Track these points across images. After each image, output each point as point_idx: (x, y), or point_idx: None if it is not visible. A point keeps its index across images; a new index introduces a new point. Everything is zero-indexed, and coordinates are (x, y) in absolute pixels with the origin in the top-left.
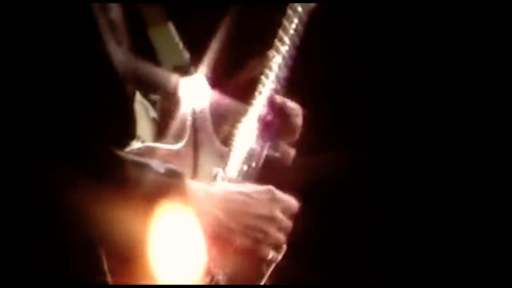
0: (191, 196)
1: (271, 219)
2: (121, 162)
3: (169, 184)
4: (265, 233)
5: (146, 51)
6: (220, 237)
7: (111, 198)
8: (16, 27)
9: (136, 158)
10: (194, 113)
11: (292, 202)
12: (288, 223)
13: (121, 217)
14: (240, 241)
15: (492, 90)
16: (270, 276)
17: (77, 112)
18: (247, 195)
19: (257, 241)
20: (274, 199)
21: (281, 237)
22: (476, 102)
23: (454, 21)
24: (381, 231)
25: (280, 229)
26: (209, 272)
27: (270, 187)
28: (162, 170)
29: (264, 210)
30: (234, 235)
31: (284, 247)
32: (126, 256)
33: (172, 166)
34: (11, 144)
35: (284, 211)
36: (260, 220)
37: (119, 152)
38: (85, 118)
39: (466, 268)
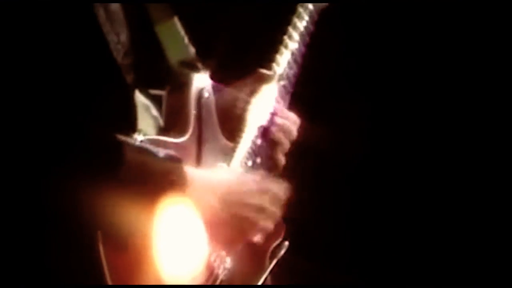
0: (189, 181)
1: (260, 210)
2: (120, 146)
3: (168, 169)
4: (252, 224)
5: (153, 47)
6: (210, 223)
7: (108, 183)
8: (15, 22)
9: (135, 142)
10: (199, 107)
11: (281, 191)
12: (274, 212)
13: (119, 202)
14: (228, 229)
15: (489, 88)
16: (271, 271)
17: (76, 101)
18: (241, 184)
19: (243, 231)
20: (265, 189)
21: (269, 225)
22: (472, 99)
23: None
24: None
25: (267, 218)
26: (209, 266)
27: (264, 176)
28: (161, 155)
29: (254, 200)
30: (223, 223)
31: (286, 243)
32: (124, 243)
33: (171, 152)
34: (13, 137)
35: (273, 200)
36: (249, 209)
37: (118, 137)
38: (83, 107)
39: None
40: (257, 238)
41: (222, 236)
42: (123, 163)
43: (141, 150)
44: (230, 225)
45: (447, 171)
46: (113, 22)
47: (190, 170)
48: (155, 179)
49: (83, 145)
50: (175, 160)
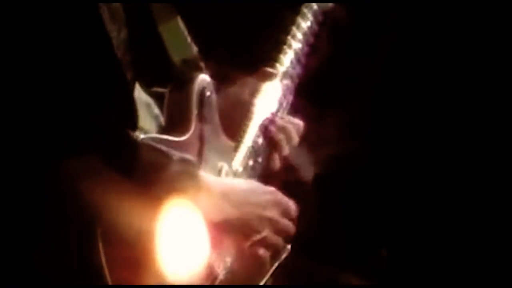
0: (202, 185)
1: (269, 221)
2: (136, 145)
3: (182, 171)
4: (260, 234)
5: (154, 46)
6: (220, 229)
7: (121, 182)
8: (17, 19)
9: (152, 142)
10: (200, 106)
11: (292, 206)
12: (286, 225)
13: (126, 199)
14: (237, 236)
15: (491, 89)
16: (272, 275)
17: (81, 97)
18: (252, 193)
19: (252, 240)
20: (276, 202)
21: (276, 239)
22: (475, 96)
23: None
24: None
25: (277, 231)
26: (208, 266)
27: (274, 189)
28: (176, 157)
29: (265, 212)
30: (233, 230)
31: (288, 247)
32: (128, 243)
33: (186, 155)
34: (15, 132)
35: (284, 214)
36: (259, 221)
37: (135, 135)
38: (89, 103)
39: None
40: (263, 252)
41: (227, 242)
42: (137, 161)
43: (154, 149)
44: (239, 232)
45: (451, 176)
46: (115, 20)
47: (205, 175)
48: (168, 179)
49: (90, 139)
50: (190, 163)
